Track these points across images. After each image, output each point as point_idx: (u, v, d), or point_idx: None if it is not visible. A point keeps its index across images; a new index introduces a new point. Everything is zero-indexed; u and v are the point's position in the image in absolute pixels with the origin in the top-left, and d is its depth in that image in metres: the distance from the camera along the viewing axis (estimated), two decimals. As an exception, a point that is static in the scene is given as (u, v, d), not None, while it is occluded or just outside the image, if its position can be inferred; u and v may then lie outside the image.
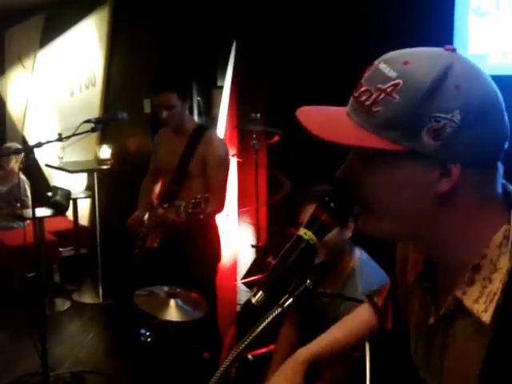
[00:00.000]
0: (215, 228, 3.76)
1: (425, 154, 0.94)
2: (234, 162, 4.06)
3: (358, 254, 2.46)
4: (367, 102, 0.97)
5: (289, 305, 1.14)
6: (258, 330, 1.15)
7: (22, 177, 6.12)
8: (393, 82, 0.95)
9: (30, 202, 5.91)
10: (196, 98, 5.10)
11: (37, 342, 3.67)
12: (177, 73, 3.76)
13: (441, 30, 3.18)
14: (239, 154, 4.04)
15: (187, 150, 3.61)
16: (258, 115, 3.70)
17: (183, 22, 5.11)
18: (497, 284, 0.96)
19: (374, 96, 0.96)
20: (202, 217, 3.20)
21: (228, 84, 4.24)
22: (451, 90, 0.93)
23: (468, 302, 0.99)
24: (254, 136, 3.72)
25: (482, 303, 0.97)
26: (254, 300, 1.13)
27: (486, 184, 1.00)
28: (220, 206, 3.55)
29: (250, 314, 1.15)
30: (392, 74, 0.95)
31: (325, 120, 1.04)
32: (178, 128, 3.64)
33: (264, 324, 1.15)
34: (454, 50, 0.98)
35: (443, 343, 1.07)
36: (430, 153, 0.94)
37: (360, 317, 1.66)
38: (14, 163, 6.26)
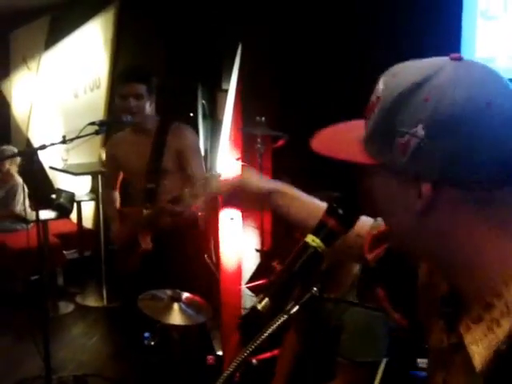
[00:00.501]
0: (197, 224, 3.80)
1: (395, 170, 0.92)
2: (238, 166, 4.04)
3: None
4: (367, 115, 0.98)
5: (295, 312, 1.13)
6: (263, 337, 1.13)
7: (19, 180, 6.12)
8: (377, 95, 0.94)
9: (19, 206, 5.97)
10: (201, 101, 5.08)
11: (40, 345, 3.65)
12: (146, 68, 3.81)
13: (448, 34, 3.16)
14: (244, 158, 4.02)
15: (156, 146, 3.58)
16: (263, 119, 3.68)
17: (188, 25, 5.10)
18: (504, 330, 0.86)
19: (369, 108, 0.97)
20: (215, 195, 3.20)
21: (233, 87, 4.22)
22: (419, 102, 0.88)
23: (468, 339, 0.91)
24: (259, 140, 3.70)
25: (481, 347, 0.88)
26: (259, 306, 1.12)
27: (485, 205, 0.89)
28: None
29: (255, 320, 1.14)
30: (380, 86, 0.95)
31: (332, 135, 1.04)
32: (139, 127, 3.62)
33: (269, 331, 1.13)
34: (459, 59, 0.91)
35: (444, 376, 1.03)
36: (400, 169, 0.91)
37: None
38: (9, 165, 6.25)
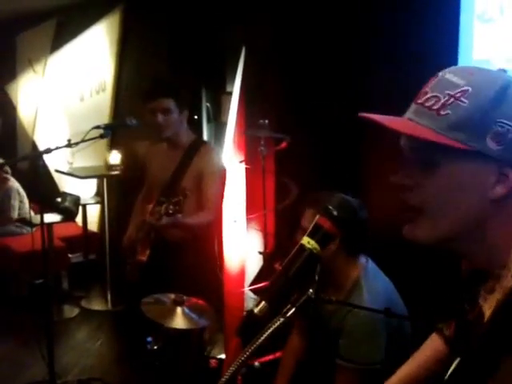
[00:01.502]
0: (209, 241, 3.67)
1: (488, 157, 1.00)
2: (241, 169, 4.03)
3: (364, 261, 2.41)
4: (435, 106, 1.04)
5: (291, 314, 1.12)
6: (260, 340, 1.13)
7: (14, 185, 6.13)
8: (462, 89, 1.02)
9: (16, 211, 5.98)
10: (205, 104, 5.08)
11: (44, 349, 3.65)
12: (174, 82, 3.74)
13: (446, 36, 3.16)
14: (247, 161, 4.02)
15: (181, 163, 3.52)
16: (266, 121, 3.67)
17: (193, 27, 5.10)
18: (507, 287, 1.00)
19: (442, 101, 1.03)
20: (180, 216, 3.06)
21: (237, 89, 4.22)
22: None
23: (485, 308, 1.04)
24: (262, 142, 3.70)
25: (490, 305, 1.03)
26: (256, 310, 1.12)
27: None
28: (212, 218, 3.45)
29: (252, 324, 1.14)
30: (460, 81, 1.03)
31: (397, 120, 1.09)
32: (173, 141, 3.55)
33: (267, 334, 1.13)
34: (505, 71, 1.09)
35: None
36: (493, 156, 1.00)
37: (429, 350, 1.62)
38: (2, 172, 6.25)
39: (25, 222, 6.00)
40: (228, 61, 4.83)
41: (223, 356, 3.75)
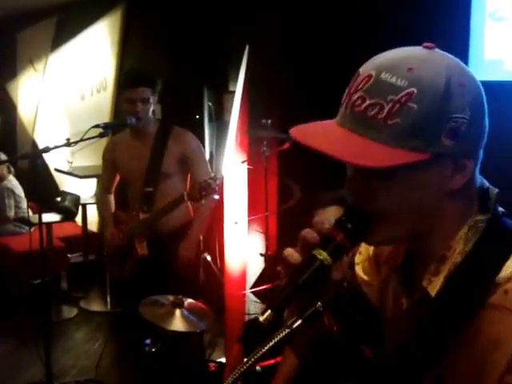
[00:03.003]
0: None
1: (443, 155, 0.96)
2: (243, 169, 3.98)
3: None
4: (380, 115, 0.95)
5: (297, 327, 1.07)
6: (264, 350, 1.08)
7: (8, 184, 6.09)
8: (406, 91, 0.94)
9: (12, 210, 5.94)
10: (207, 103, 5.04)
11: (41, 350, 3.61)
12: (150, 71, 3.97)
13: (457, 35, 3.12)
14: (249, 161, 3.97)
15: (156, 149, 3.60)
16: (269, 121, 3.63)
17: (195, 27, 5.06)
18: (452, 263, 1.02)
19: (387, 108, 0.94)
20: (216, 196, 3.36)
21: (240, 89, 4.17)
22: (458, 88, 0.95)
23: (432, 290, 1.03)
24: (265, 142, 3.65)
25: (436, 284, 1.03)
26: (261, 318, 1.07)
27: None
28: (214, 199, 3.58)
29: (255, 331, 1.09)
30: (401, 83, 0.94)
31: (334, 142, 1.00)
32: (140, 130, 3.63)
33: (270, 344, 1.08)
34: (432, 48, 1.01)
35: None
36: (449, 153, 0.96)
37: None
38: (2, 169, 6.22)
39: (24, 221, 5.95)
40: (231, 60, 4.80)
41: (223, 360, 3.70)
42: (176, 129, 3.68)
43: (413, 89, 0.94)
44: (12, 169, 6.37)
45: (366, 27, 3.58)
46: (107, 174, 3.95)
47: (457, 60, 1.01)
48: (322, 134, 1.03)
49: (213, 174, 3.35)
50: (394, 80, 0.95)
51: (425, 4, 3.21)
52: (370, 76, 0.98)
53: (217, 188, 3.27)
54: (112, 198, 3.95)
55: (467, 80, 0.97)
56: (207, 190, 3.23)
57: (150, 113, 3.58)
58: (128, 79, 3.66)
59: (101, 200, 4.04)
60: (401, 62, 0.97)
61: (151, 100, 3.53)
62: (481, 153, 1.03)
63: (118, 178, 3.90)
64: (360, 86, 0.99)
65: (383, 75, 0.96)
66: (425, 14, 3.19)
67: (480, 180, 1.07)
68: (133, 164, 3.68)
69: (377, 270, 1.29)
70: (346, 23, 3.72)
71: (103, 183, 4.01)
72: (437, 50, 1.01)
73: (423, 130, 0.94)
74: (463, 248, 1.02)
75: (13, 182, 6.24)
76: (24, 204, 6.13)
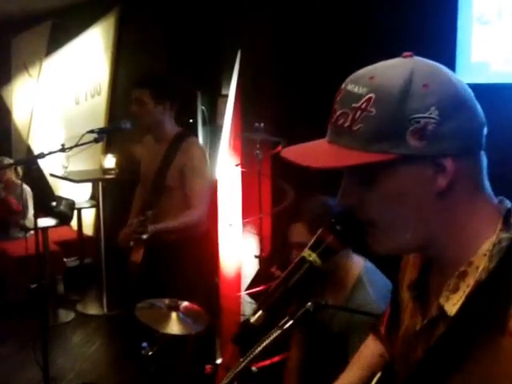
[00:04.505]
0: (202, 240, 3.69)
1: (415, 156, 0.97)
2: (237, 172, 4.02)
3: (362, 261, 2.39)
4: (346, 124, 1.00)
5: (289, 327, 1.11)
6: (256, 352, 1.12)
7: (25, 187, 6.08)
8: (365, 98, 0.98)
9: (31, 213, 5.90)
10: (200, 107, 5.06)
11: (38, 354, 3.62)
12: (153, 74, 3.87)
13: (444, 38, 3.15)
14: (243, 164, 4.00)
15: (164, 160, 3.53)
16: (262, 124, 3.66)
17: (189, 31, 5.09)
18: (474, 281, 0.99)
19: (350, 116, 0.99)
20: (144, 237, 3.17)
21: (233, 92, 4.20)
22: (421, 89, 0.96)
23: (448, 307, 1.01)
24: (258, 145, 3.68)
25: (455, 301, 1.00)
26: (253, 319, 1.10)
27: (476, 172, 1.03)
28: (198, 215, 3.45)
29: (248, 332, 1.12)
30: (362, 90, 0.99)
31: (310, 150, 1.06)
32: (156, 134, 3.61)
33: (263, 345, 1.11)
34: (412, 56, 1.03)
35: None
36: (420, 153, 0.97)
37: (369, 349, 1.60)
38: (10, 174, 6.23)
39: (20, 226, 5.96)
40: (224, 64, 4.82)
41: (219, 361, 3.73)
42: (189, 139, 3.60)
43: (371, 94, 0.98)
44: (20, 173, 6.36)
45: (355, 32, 3.60)
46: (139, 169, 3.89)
47: (431, 64, 1.03)
48: (304, 147, 1.09)
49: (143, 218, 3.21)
50: (356, 89, 1.00)
51: (412, 8, 3.23)
52: (340, 89, 1.04)
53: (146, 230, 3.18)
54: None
55: (435, 81, 0.98)
56: (143, 227, 3.16)
57: (160, 116, 3.52)
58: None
59: (136, 193, 3.94)
60: (367, 73, 1.02)
61: (151, 102, 3.47)
62: (481, 155, 1.03)
63: None
64: (335, 100, 1.05)
65: (349, 86, 1.02)
66: (412, 18, 3.22)
67: (501, 198, 1.07)
68: (147, 168, 3.66)
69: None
70: (336, 28, 3.74)
71: (140, 177, 3.91)
72: (415, 57, 1.04)
73: (385, 133, 0.97)
74: (488, 265, 0.98)
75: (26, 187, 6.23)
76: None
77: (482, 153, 1.04)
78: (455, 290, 1.01)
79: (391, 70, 1.00)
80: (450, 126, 0.97)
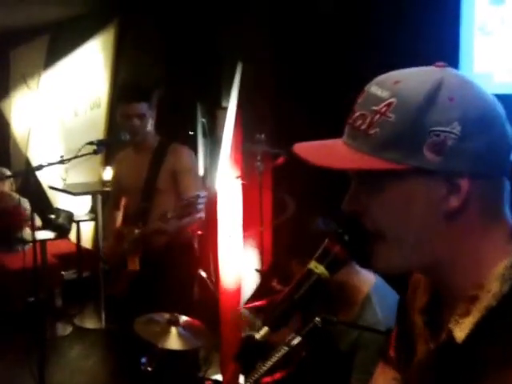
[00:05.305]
0: (193, 247, 3.79)
1: (429, 171, 0.92)
2: (238, 184, 3.98)
3: (371, 278, 2.34)
4: (363, 126, 0.96)
5: (296, 344, 1.06)
6: (264, 369, 1.07)
7: (22, 199, 6.05)
8: (386, 102, 0.94)
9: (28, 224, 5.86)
10: (200, 119, 5.05)
11: (35, 368, 3.58)
12: (146, 84, 3.89)
13: (447, 49, 3.14)
14: (243, 176, 3.96)
15: (153, 165, 3.56)
16: (263, 136, 3.63)
17: (189, 44, 5.08)
18: (484, 306, 0.93)
19: (368, 119, 0.95)
20: (197, 216, 3.20)
21: (233, 105, 4.18)
22: (446, 102, 0.91)
23: (457, 333, 0.94)
24: (259, 157, 3.65)
25: (464, 327, 0.94)
26: (258, 336, 1.06)
27: (493, 197, 0.96)
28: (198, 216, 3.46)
29: (252, 349, 1.08)
30: (384, 94, 0.95)
31: (322, 149, 1.03)
32: (139, 145, 3.61)
33: (270, 363, 1.07)
34: (444, 66, 0.98)
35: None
36: (435, 168, 0.92)
37: (381, 377, 1.54)
38: (3, 186, 6.19)
39: (18, 238, 5.91)
40: (224, 76, 4.81)
41: (219, 377, 3.68)
42: (174, 144, 3.64)
43: (393, 99, 0.93)
44: (13, 185, 6.35)
45: (356, 45, 3.59)
46: (114, 189, 3.94)
47: (462, 77, 0.97)
48: (316, 145, 1.05)
49: (198, 193, 3.21)
50: (379, 92, 0.96)
51: (414, 19, 3.23)
52: (363, 91, 1.00)
53: (200, 207, 3.15)
54: (118, 213, 3.89)
55: (463, 95, 0.93)
56: (189, 209, 3.13)
57: (149, 127, 3.54)
58: (124, 93, 3.64)
59: (107, 215, 4.01)
60: (391, 77, 0.98)
61: (148, 115, 3.49)
62: (503, 181, 0.97)
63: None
64: (356, 101, 1.00)
65: (372, 88, 0.98)
66: (415, 29, 3.21)
67: None
68: (131, 179, 3.66)
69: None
70: (336, 41, 3.73)
71: (111, 198, 3.97)
72: (447, 68, 0.99)
73: (401, 141, 0.93)
74: (499, 290, 0.93)
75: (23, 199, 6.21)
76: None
77: (505, 179, 0.97)
78: (465, 314, 0.95)
79: (418, 78, 0.95)
80: (471, 145, 0.91)
